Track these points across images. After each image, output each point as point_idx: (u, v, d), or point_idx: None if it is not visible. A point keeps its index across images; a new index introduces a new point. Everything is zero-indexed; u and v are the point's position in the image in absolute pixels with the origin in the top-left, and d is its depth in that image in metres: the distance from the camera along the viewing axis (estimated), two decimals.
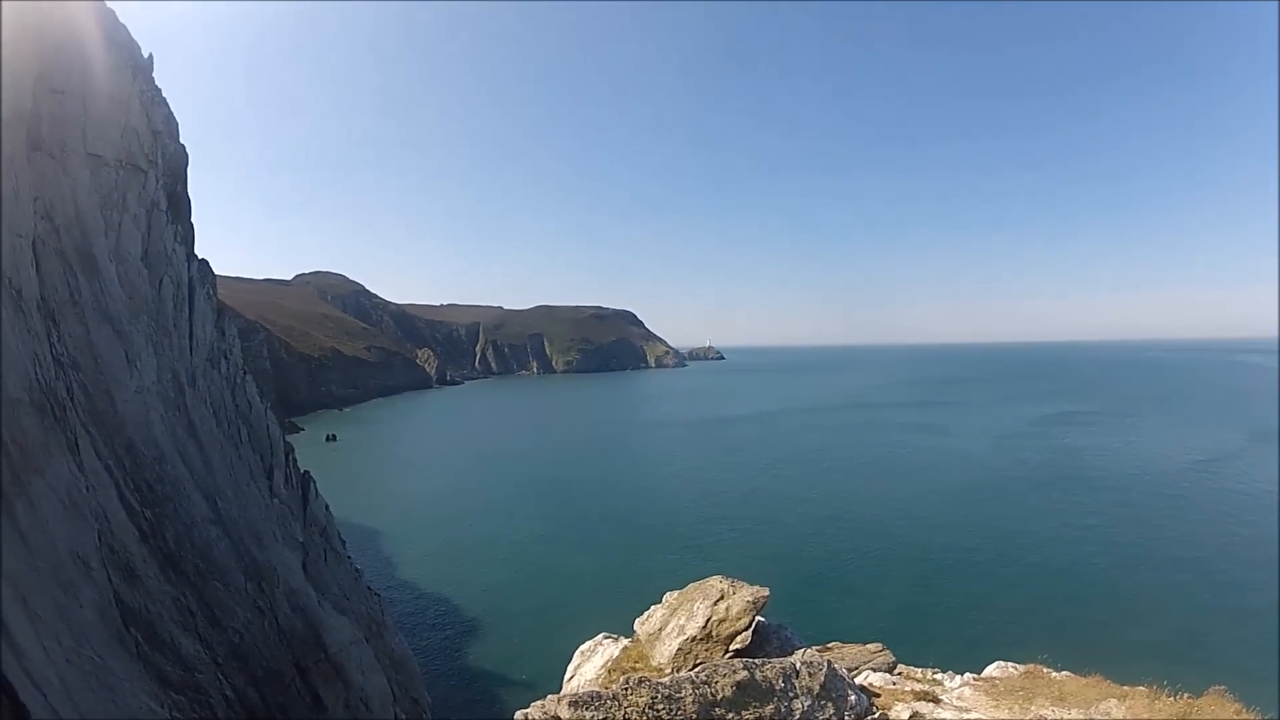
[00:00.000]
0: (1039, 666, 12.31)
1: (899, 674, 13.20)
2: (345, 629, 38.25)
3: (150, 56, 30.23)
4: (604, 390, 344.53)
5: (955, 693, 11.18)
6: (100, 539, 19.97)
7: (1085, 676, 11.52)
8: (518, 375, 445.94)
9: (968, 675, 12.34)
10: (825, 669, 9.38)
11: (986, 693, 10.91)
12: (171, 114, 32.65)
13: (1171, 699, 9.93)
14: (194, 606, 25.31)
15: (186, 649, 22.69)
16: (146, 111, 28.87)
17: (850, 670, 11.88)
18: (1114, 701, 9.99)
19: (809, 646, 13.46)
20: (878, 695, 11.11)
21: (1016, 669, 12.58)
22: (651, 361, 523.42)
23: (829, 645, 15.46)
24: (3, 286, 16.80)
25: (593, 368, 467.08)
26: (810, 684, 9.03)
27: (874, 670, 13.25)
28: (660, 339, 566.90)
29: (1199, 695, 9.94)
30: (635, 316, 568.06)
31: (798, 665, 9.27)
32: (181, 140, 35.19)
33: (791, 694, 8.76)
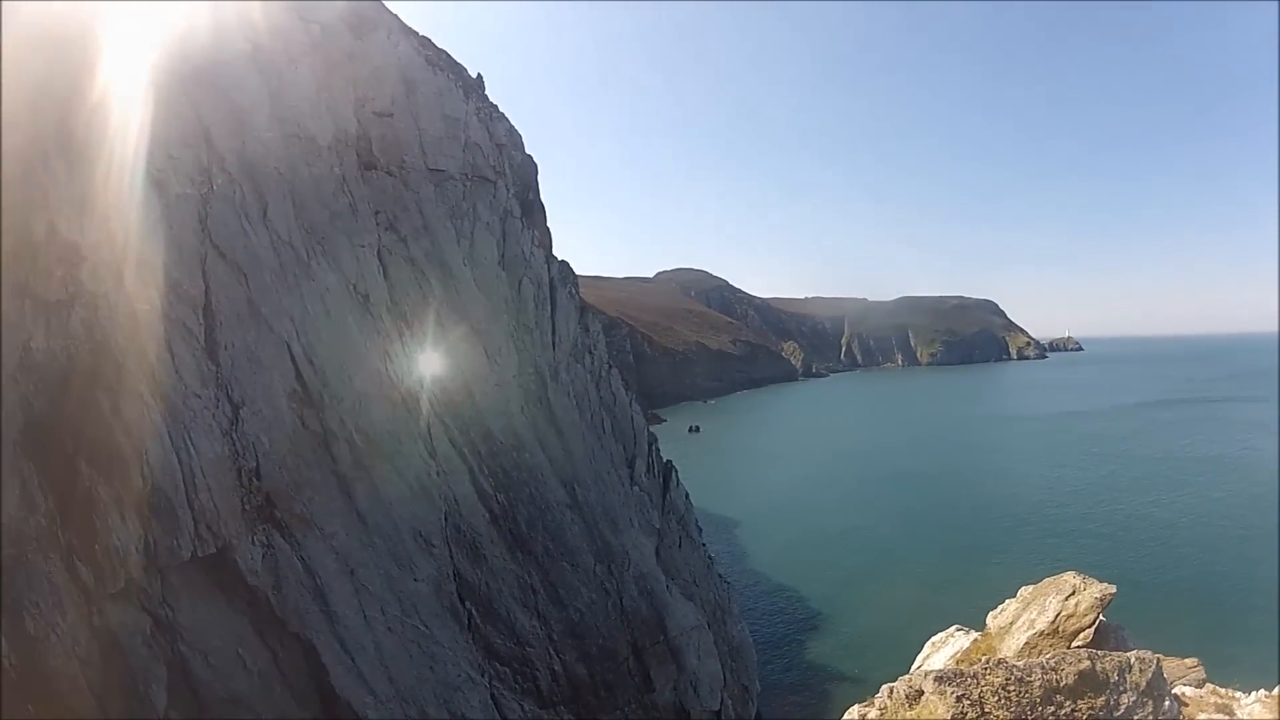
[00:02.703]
0: None
1: (1207, 689, 13.63)
2: (689, 614, 38.67)
3: (479, 76, 33.29)
4: (966, 383, 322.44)
5: (1248, 709, 12.24)
6: (447, 519, 21.96)
7: None
8: (882, 368, 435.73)
9: (1261, 692, 12.94)
10: (1154, 667, 9.64)
11: (1272, 710, 11.88)
12: (513, 128, 35.66)
13: None
14: (537, 585, 26.98)
15: (522, 624, 24.17)
16: (486, 127, 31.78)
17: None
18: None
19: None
20: (1186, 705, 11.97)
21: None
22: (1013, 353, 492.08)
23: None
24: (348, 293, 18.85)
25: (956, 360, 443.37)
26: (1139, 680, 9.27)
27: (1185, 685, 13.67)
28: (1021, 329, 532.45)
29: None
30: (996, 306, 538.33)
31: (1131, 660, 9.57)
32: (528, 151, 38.02)
33: (1122, 688, 9.06)
